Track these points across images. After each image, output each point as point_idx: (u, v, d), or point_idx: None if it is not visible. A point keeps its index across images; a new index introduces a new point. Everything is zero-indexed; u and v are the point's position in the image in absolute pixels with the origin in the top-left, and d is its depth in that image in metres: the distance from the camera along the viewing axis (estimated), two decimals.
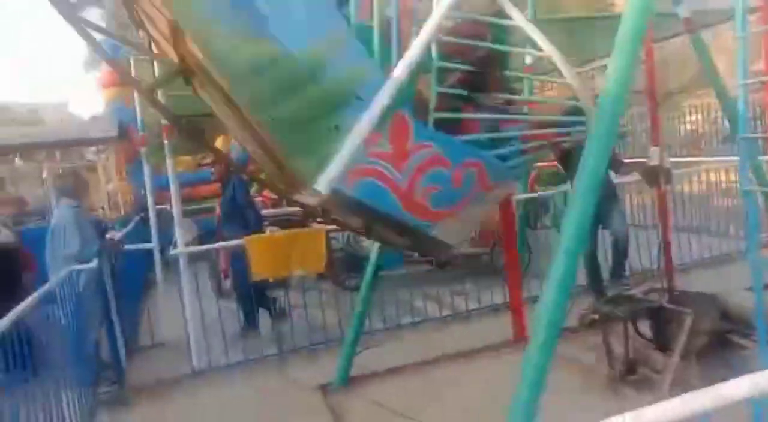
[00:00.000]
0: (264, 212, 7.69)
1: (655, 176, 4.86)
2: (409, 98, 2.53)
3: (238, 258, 5.31)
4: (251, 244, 4.86)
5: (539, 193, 7.35)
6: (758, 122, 9.17)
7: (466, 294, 5.77)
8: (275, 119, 2.25)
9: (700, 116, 13.87)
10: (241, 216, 5.82)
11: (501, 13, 2.83)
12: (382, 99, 2.31)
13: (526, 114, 3.39)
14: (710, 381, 1.37)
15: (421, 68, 2.56)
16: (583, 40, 7.67)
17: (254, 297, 5.63)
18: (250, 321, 5.80)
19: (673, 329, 3.68)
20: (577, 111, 3.03)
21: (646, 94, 5.12)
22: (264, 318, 5.83)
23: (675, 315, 3.68)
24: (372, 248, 4.36)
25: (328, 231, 5.12)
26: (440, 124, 2.71)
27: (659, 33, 6.89)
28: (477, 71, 2.96)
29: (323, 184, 2.26)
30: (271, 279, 5.31)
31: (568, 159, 4.87)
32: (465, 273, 6.15)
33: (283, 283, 5.74)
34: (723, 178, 7.38)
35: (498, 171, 2.91)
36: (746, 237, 2.76)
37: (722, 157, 8.30)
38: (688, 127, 14.50)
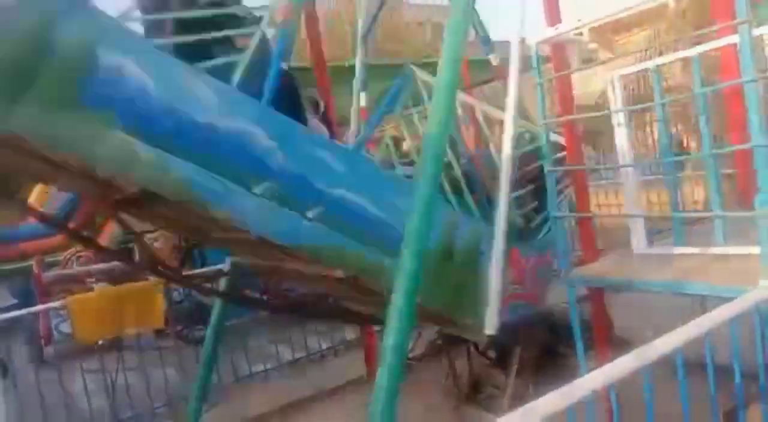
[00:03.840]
0: (91, 268, 6.98)
1: None
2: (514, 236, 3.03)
3: None
4: (73, 306, 4.33)
5: None
6: None
7: (319, 334, 5.70)
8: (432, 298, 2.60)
9: None
10: None
11: None
12: (498, 247, 2.74)
13: None
14: (543, 393, 1.49)
15: None
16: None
17: None
18: None
19: (509, 346, 3.98)
20: None
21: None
22: (94, 382, 5.05)
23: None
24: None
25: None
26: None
27: (476, 78, 7.65)
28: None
29: (491, 327, 2.69)
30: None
31: None
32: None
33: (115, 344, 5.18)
34: None
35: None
36: (559, 258, 3.10)
37: None
38: None
